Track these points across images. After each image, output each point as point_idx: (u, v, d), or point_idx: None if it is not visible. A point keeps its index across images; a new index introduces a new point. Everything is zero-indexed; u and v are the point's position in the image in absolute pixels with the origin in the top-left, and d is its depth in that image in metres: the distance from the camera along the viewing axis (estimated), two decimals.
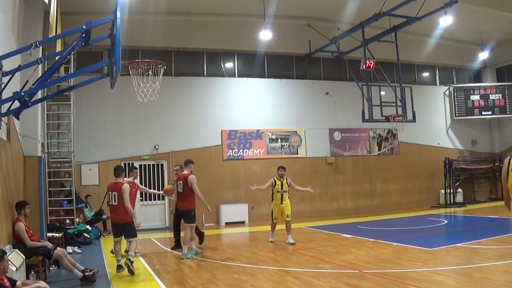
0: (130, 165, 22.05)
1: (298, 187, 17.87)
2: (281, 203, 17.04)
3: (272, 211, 17.45)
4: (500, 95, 31.00)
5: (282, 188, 16.96)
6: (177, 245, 16.01)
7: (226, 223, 24.58)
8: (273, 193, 17.22)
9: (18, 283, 7.67)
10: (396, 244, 15.08)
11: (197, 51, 25.97)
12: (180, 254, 14.63)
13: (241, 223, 24.89)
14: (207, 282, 10.99)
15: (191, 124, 25.00)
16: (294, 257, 14.14)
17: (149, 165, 24.03)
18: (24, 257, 10.14)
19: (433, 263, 11.97)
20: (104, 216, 20.80)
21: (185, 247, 14.80)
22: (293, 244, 16.41)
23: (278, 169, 17.39)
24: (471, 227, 20.02)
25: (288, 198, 17.33)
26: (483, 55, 30.85)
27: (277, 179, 17.12)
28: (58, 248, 11.79)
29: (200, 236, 16.95)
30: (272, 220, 17.48)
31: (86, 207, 20.61)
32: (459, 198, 29.29)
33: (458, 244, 14.47)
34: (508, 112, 31.01)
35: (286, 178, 17.20)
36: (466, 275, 10.20)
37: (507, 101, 30.93)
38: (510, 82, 31.35)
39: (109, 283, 11.26)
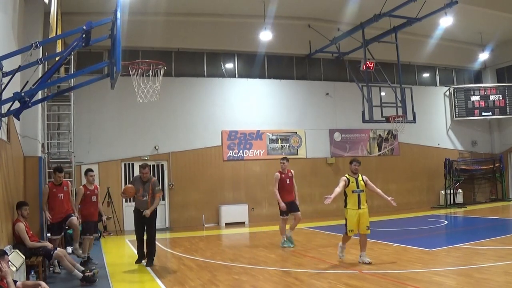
0: (130, 165, 22.23)
1: (379, 190, 13.73)
2: (359, 207, 12.97)
3: (346, 220, 13.12)
4: (500, 95, 30.99)
5: (358, 187, 13.14)
6: (142, 257, 14.19)
7: (226, 224, 24.58)
8: (346, 196, 13.22)
9: (18, 283, 7.67)
10: (396, 244, 15.09)
11: (197, 52, 25.97)
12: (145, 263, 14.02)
13: (241, 223, 24.90)
14: (207, 283, 10.99)
15: (191, 124, 25.01)
16: (294, 258, 14.15)
17: (149, 165, 23.91)
18: (24, 257, 10.14)
19: (433, 264, 11.97)
20: (104, 217, 20.76)
21: (283, 236, 16.50)
22: (369, 263, 12.41)
23: (351, 163, 13.57)
24: (472, 228, 20.03)
25: (366, 201, 13.40)
26: (483, 56, 30.86)
27: (350, 176, 13.30)
28: (58, 248, 11.79)
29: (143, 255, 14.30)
30: (346, 232, 13.08)
31: None
32: (459, 198, 29.30)
33: (458, 245, 14.47)
34: (508, 113, 31.00)
35: (362, 175, 13.49)
36: (466, 276, 10.20)
37: (507, 102, 30.92)
38: (510, 83, 31.33)
39: (109, 283, 11.25)
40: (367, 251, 12.99)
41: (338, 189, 13.02)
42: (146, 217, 13.70)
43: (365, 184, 13.40)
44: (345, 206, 13.29)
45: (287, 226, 16.59)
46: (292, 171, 16.84)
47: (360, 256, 12.83)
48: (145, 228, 14.05)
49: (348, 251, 14.72)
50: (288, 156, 25.94)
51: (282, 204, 15.92)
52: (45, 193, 13.28)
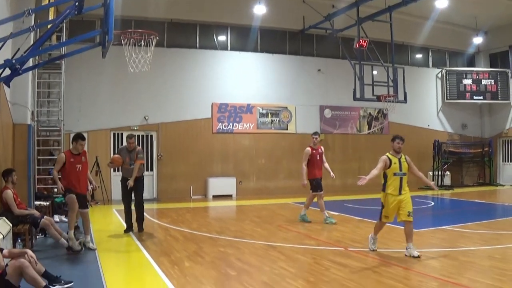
0: (119, 135, 22.26)
1: (421, 173, 12.03)
2: (399, 193, 11.15)
3: (382, 205, 11.34)
4: (493, 80, 31.02)
5: (401, 169, 11.24)
6: (130, 227, 14.50)
7: (214, 196, 24.63)
8: (386, 178, 11.31)
9: (4, 251, 7.65)
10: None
11: (190, 23, 25.79)
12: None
13: (229, 196, 24.94)
14: (193, 255, 11.03)
15: (182, 96, 24.94)
16: (280, 232, 14.20)
17: (138, 136, 23.78)
18: (11, 225, 10.12)
19: (418, 245, 12.01)
20: (91, 186, 20.75)
21: (324, 213, 15.90)
22: (418, 257, 10.40)
23: (393, 141, 11.64)
24: (458, 211, 20.13)
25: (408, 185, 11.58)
26: (477, 40, 30.77)
27: (392, 155, 11.39)
28: (45, 216, 11.78)
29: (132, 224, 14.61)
30: (380, 218, 11.34)
31: None
32: (447, 181, 29.41)
33: (444, 227, 14.55)
34: (499, 98, 31.08)
35: (405, 156, 11.60)
36: (451, 258, 10.27)
37: (499, 87, 30.97)
38: (503, 68, 31.34)
39: (95, 253, 11.26)
40: (352, 229, 12.93)
41: (375, 171, 11.20)
42: (134, 185, 14.05)
43: (409, 165, 11.53)
44: (383, 189, 11.29)
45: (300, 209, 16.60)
46: (322, 147, 16.42)
47: (406, 249, 10.79)
48: (132, 195, 14.42)
49: (334, 228, 14.84)
50: (278, 131, 26.13)
51: (304, 182, 15.68)
52: (59, 161, 12.11)
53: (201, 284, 8.57)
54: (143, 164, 14.93)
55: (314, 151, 15.91)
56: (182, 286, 8.38)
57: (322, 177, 16.11)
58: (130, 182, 13.96)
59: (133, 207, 14.55)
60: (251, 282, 8.71)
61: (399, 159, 11.25)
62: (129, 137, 14.58)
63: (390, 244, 12.09)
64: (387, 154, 11.42)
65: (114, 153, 22.33)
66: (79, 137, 12.37)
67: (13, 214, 11.01)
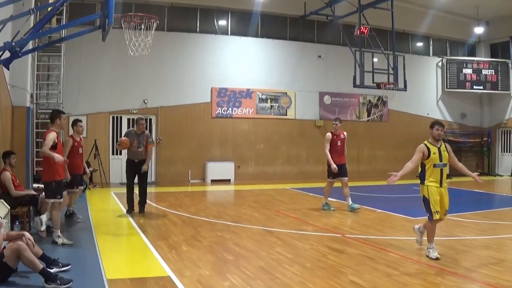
0: (118, 118, 22.32)
1: (461, 164, 10.90)
2: (441, 184, 9.96)
3: (426, 200, 9.83)
4: (493, 70, 30.97)
5: (441, 160, 9.96)
6: (132, 208, 14.88)
7: (212, 181, 24.68)
8: (424, 169, 10.05)
9: (2, 233, 7.68)
10: (380, 211, 15.20)
11: (190, 7, 25.71)
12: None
13: (227, 181, 24.98)
14: (190, 239, 11.07)
15: (182, 80, 24.91)
16: (277, 218, 14.23)
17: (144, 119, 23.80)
18: (9, 207, 10.13)
19: (415, 233, 12.09)
20: (90, 169, 20.82)
21: (325, 199, 15.79)
22: (436, 259, 9.21)
23: (432, 127, 10.24)
24: (456, 200, 20.15)
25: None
26: (479, 30, 30.71)
27: (430, 144, 10.06)
28: (43, 193, 11.78)
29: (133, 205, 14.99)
30: (431, 216, 9.68)
31: None
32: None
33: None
34: (499, 89, 31.05)
35: (445, 144, 10.32)
36: (448, 247, 10.29)
37: (499, 77, 30.93)
38: (503, 58, 31.28)
39: (93, 236, 11.30)
40: (350, 216, 12.96)
41: (411, 165, 10.05)
42: (140, 167, 14.52)
43: (449, 155, 10.19)
44: (422, 182, 9.98)
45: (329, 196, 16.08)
46: (345, 133, 15.93)
47: (427, 248, 9.62)
48: (137, 178, 14.76)
49: (332, 214, 14.88)
50: (277, 117, 26.12)
51: (334, 166, 15.24)
52: (68, 146, 12.66)
53: (198, 268, 8.60)
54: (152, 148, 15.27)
55: (335, 137, 15.58)
56: (179, 270, 8.40)
57: (344, 163, 15.67)
58: (144, 167, 14.55)
59: (136, 191, 14.82)
60: (248, 267, 8.74)
61: (439, 148, 9.92)
62: (140, 119, 14.98)
63: (387, 232, 12.14)
64: (425, 142, 10.08)
65: (113, 137, 22.50)
66: (77, 120, 13.05)
67: (11, 196, 11.02)
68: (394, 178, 9.67)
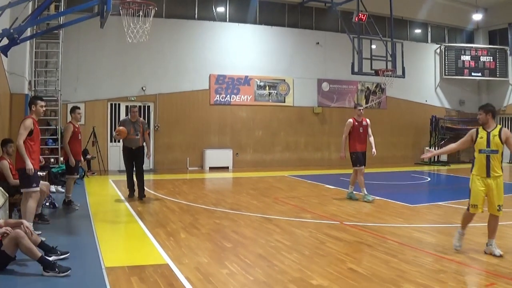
0: (116, 105, 22.30)
1: None
2: (487, 175, 8.94)
3: (469, 190, 9.17)
4: (491, 57, 31.00)
5: (488, 146, 8.91)
6: (133, 191, 15.31)
7: (210, 168, 24.70)
8: (474, 157, 9.31)
9: (0, 221, 7.67)
10: (378, 198, 15.15)
11: None
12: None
13: (225, 168, 25.01)
14: (188, 226, 11.07)
15: (180, 67, 24.87)
16: (276, 205, 14.23)
17: (139, 107, 23.72)
18: (7, 195, 10.12)
19: (413, 220, 12.11)
20: (88, 156, 20.81)
21: (363, 189, 15.03)
22: (500, 256, 8.58)
23: (482, 110, 9.10)
24: (454, 187, 20.17)
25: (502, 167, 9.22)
26: (477, 17, 30.64)
27: (482, 128, 9.13)
28: (41, 182, 11.75)
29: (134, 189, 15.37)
30: (468, 207, 9.11)
31: None
32: (444, 157, 29.43)
33: (440, 203, 14.57)
34: (498, 75, 31.10)
35: (500, 129, 8.94)
36: (446, 234, 10.30)
37: (497, 64, 30.98)
38: (502, 45, 31.27)
39: (92, 223, 11.30)
40: (348, 203, 12.94)
41: (453, 145, 10.10)
42: (137, 154, 14.89)
43: (504, 141, 8.81)
44: (471, 171, 9.30)
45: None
46: (368, 120, 15.45)
47: (486, 244, 8.97)
48: (134, 164, 15.03)
49: (330, 201, 14.88)
50: (275, 104, 26.10)
51: (342, 154, 15.07)
52: (69, 131, 12.97)
53: (197, 255, 8.60)
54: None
55: (356, 123, 15.08)
56: (178, 258, 8.41)
57: (365, 151, 15.24)
58: (148, 154, 15.26)
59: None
60: (247, 254, 8.75)
61: (489, 133, 8.86)
62: (133, 106, 15.28)
63: (386, 219, 12.14)
64: (477, 128, 9.20)
65: (111, 123, 22.50)
66: (76, 107, 13.44)
67: (9, 184, 11.00)
68: (429, 154, 10.09)
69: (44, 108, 10.17)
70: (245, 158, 26.05)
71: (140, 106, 23.61)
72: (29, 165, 9.33)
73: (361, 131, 15.09)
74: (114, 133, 15.54)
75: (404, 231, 10.73)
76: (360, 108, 15.22)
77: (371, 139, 15.28)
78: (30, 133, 9.53)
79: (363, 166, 15.15)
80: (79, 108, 13.71)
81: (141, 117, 17.36)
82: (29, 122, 9.53)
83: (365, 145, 15.22)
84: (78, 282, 7.12)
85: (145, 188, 15.15)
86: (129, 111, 15.34)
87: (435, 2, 28.72)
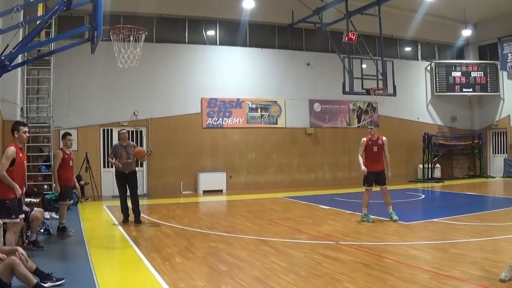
0: (109, 131, 22.26)
1: None
2: None
3: None
4: (482, 72, 31.16)
5: None
6: (128, 216, 15.35)
7: (204, 191, 24.64)
8: None
9: None
10: (373, 216, 15.11)
11: (179, 18, 25.76)
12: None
13: (219, 191, 24.95)
14: (183, 250, 11.03)
15: (171, 91, 24.89)
16: (270, 227, 14.19)
17: (128, 131, 23.66)
18: (1, 222, 10.06)
19: (409, 237, 12.08)
20: (82, 182, 20.76)
21: (364, 209, 14.94)
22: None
23: None
24: (449, 203, 20.18)
25: None
26: (466, 33, 30.93)
27: None
28: (35, 208, 11.71)
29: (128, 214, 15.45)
30: None
31: None
32: (437, 173, 29.53)
33: (435, 219, 14.57)
34: (489, 90, 31.24)
35: None
36: (442, 251, 10.29)
37: (488, 79, 31.13)
38: (492, 60, 31.45)
39: (86, 249, 11.25)
40: (343, 222, 12.92)
41: None
42: (131, 178, 15.02)
43: None
44: None
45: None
46: (384, 138, 15.15)
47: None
48: (127, 189, 15.14)
49: (325, 222, 14.85)
50: (267, 126, 26.13)
51: (363, 168, 14.71)
52: (58, 158, 13.11)
53: (193, 279, 8.57)
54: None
55: (370, 142, 14.97)
56: (174, 282, 8.37)
57: (379, 170, 14.92)
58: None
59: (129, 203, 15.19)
60: (243, 277, 8.72)
61: None
62: (121, 129, 15.75)
63: (381, 237, 12.12)
64: None
65: (104, 149, 22.61)
66: (67, 133, 13.61)
67: None
68: None
69: (27, 134, 9.81)
70: (238, 181, 26.00)
71: (132, 131, 23.65)
72: (18, 190, 9.13)
73: (375, 150, 14.92)
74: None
75: (400, 249, 10.71)
76: (370, 127, 15.25)
77: (387, 159, 15.09)
78: (12, 162, 9.21)
79: (385, 185, 14.95)
80: (70, 134, 13.77)
81: (133, 141, 17.41)
82: (11, 152, 9.25)
83: (380, 164, 14.98)
84: None
85: (132, 211, 15.16)
86: (118, 135, 15.38)
87: (424, 19, 28.85)
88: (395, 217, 14.59)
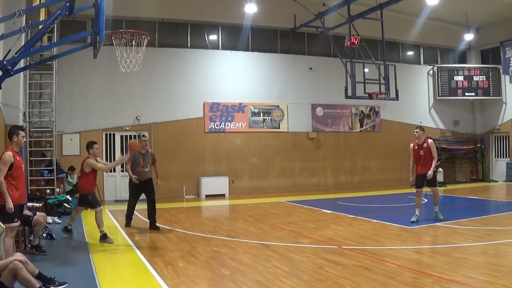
0: (111, 135, 22.27)
1: None
2: None
3: None
4: (484, 77, 31.12)
5: None
6: (130, 222, 15.55)
7: (207, 196, 24.60)
8: None
9: None
10: (375, 221, 15.14)
11: (181, 23, 25.76)
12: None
13: (222, 196, 24.92)
14: (186, 255, 11.03)
15: (174, 95, 24.91)
16: (273, 231, 14.18)
17: (130, 136, 23.77)
18: (3, 227, 10.06)
19: (411, 242, 12.07)
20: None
21: (417, 209, 15.12)
22: None
23: None
24: (451, 207, 20.15)
25: None
26: (468, 37, 30.91)
27: None
28: (38, 213, 11.71)
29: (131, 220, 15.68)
30: None
31: (67, 177, 20.61)
32: (440, 177, 29.39)
33: (437, 224, 14.53)
34: (491, 94, 31.18)
35: None
36: (445, 255, 10.27)
37: (490, 83, 31.07)
38: (494, 64, 31.40)
39: (89, 254, 11.25)
40: (345, 227, 12.95)
41: None
42: (146, 186, 14.95)
43: None
44: None
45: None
46: (429, 141, 15.22)
47: None
48: (140, 197, 15.29)
49: (327, 226, 14.83)
50: (270, 130, 26.11)
51: (411, 180, 15.38)
52: (93, 166, 12.91)
53: (195, 284, 8.56)
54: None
55: (416, 147, 15.18)
56: (176, 286, 8.37)
57: (426, 173, 14.87)
58: (159, 182, 15.55)
59: (137, 206, 15.57)
60: (245, 281, 8.71)
61: None
62: (143, 136, 15.49)
63: (383, 242, 12.10)
64: None
65: (106, 154, 22.68)
66: (93, 142, 13.20)
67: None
68: None
69: (25, 139, 9.83)
70: (241, 185, 26.00)
71: (135, 136, 23.59)
72: (10, 203, 8.94)
73: (421, 154, 15.02)
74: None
75: (402, 253, 10.71)
76: (416, 130, 15.29)
77: (434, 161, 15.00)
78: (11, 166, 9.12)
79: (436, 187, 15.24)
80: (96, 143, 13.34)
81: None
82: (8, 156, 9.16)
83: (428, 166, 14.94)
84: None
85: (149, 218, 15.13)
86: (138, 140, 15.49)
87: (426, 23, 28.83)
88: (441, 216, 14.95)
